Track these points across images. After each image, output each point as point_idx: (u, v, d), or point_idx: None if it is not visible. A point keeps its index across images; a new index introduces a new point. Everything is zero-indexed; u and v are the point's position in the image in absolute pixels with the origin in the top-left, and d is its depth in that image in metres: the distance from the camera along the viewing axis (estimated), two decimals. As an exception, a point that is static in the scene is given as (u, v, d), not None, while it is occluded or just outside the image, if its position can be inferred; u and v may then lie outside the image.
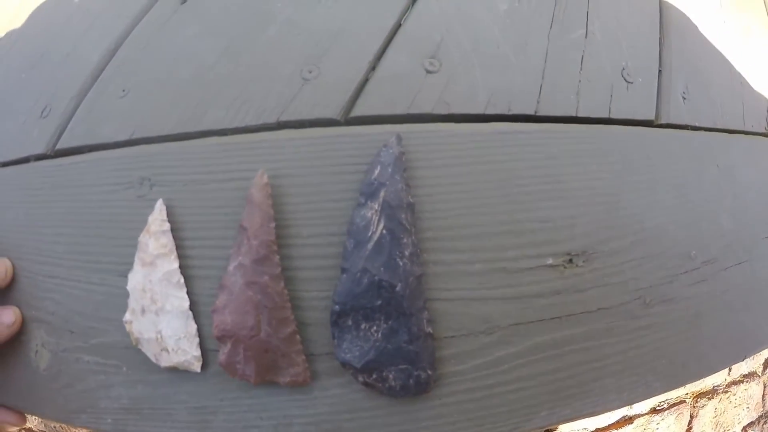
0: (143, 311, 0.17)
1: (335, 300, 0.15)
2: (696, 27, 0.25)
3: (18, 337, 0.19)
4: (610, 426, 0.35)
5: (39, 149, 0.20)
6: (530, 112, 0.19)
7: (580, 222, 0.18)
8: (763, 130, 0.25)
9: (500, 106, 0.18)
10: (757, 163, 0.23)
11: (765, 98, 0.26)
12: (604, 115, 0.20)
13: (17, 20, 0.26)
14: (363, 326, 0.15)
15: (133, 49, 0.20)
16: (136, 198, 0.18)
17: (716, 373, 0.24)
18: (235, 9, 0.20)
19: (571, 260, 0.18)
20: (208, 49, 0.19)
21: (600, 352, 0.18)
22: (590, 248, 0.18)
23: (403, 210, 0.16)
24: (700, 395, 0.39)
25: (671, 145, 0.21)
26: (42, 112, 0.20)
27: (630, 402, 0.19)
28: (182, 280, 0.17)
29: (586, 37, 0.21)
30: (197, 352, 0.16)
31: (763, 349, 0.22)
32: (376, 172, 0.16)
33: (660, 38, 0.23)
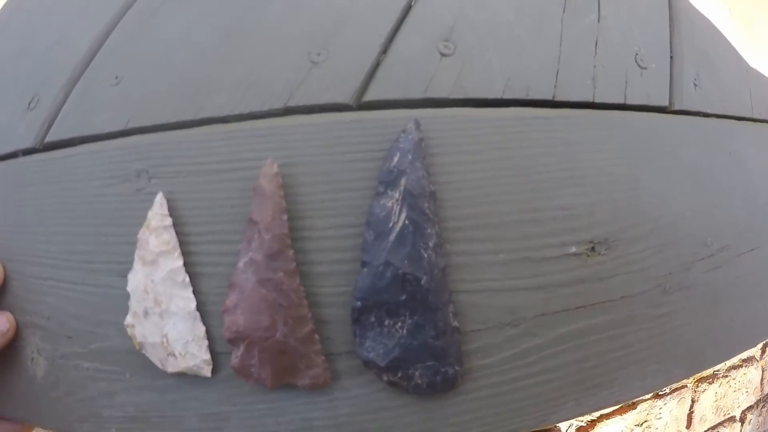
0: (146, 313, 0.15)
1: (356, 296, 0.14)
2: (703, 14, 0.24)
3: (12, 344, 0.17)
4: (614, 412, 0.35)
5: (27, 143, 0.18)
6: (548, 97, 0.17)
7: (600, 209, 0.17)
8: (769, 117, 0.24)
9: (518, 91, 0.17)
10: (765, 151, 0.23)
11: (768, 86, 0.25)
12: (620, 101, 0.19)
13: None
14: (387, 322, 0.14)
15: (125, 35, 0.18)
16: (134, 192, 0.16)
17: (725, 361, 0.24)
18: (236, -9, 0.18)
19: (593, 248, 0.17)
20: (206, 31, 0.17)
21: (623, 340, 0.17)
22: (612, 236, 0.17)
23: (426, 199, 0.14)
24: (701, 380, 0.39)
25: (685, 132, 0.20)
26: (29, 104, 0.18)
27: (652, 389, 0.18)
28: (187, 279, 0.15)
29: (598, 22, 0.20)
30: (207, 356, 0.15)
31: (775, 333, 0.21)
32: (396, 159, 0.14)
33: (670, 24, 0.22)
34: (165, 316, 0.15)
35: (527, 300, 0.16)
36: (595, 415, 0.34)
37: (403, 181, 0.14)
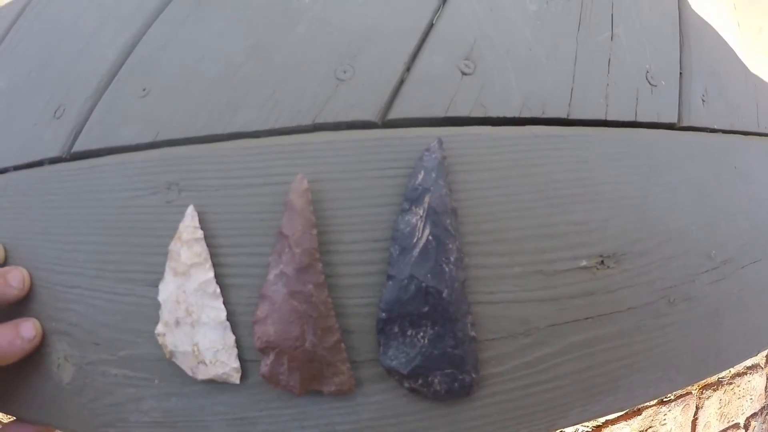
0: (177, 323, 0.16)
1: (382, 307, 0.15)
2: (713, 29, 0.25)
3: (38, 350, 0.18)
4: (619, 418, 0.37)
5: (53, 152, 0.19)
6: (563, 115, 0.19)
7: (611, 224, 0.18)
8: (775, 132, 0.25)
9: (534, 110, 0.18)
10: (769, 165, 0.24)
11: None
12: (631, 118, 0.20)
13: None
14: (409, 333, 0.15)
15: (152, 47, 0.19)
16: (164, 204, 0.17)
17: (727, 369, 0.25)
18: (260, 5, 0.19)
19: (603, 262, 0.18)
20: (234, 46, 0.18)
21: (629, 349, 0.18)
22: (620, 250, 0.18)
23: (448, 215, 0.15)
24: (706, 387, 0.41)
25: (692, 148, 0.21)
26: (55, 113, 0.19)
27: (655, 397, 0.20)
28: (218, 290, 0.16)
29: (611, 40, 0.21)
30: (236, 364, 0.16)
31: (774, 343, 0.23)
32: (420, 177, 0.15)
33: (680, 41, 0.23)
34: (196, 326, 0.16)
35: (540, 311, 0.17)
36: (600, 420, 0.35)
37: (427, 199, 0.15)
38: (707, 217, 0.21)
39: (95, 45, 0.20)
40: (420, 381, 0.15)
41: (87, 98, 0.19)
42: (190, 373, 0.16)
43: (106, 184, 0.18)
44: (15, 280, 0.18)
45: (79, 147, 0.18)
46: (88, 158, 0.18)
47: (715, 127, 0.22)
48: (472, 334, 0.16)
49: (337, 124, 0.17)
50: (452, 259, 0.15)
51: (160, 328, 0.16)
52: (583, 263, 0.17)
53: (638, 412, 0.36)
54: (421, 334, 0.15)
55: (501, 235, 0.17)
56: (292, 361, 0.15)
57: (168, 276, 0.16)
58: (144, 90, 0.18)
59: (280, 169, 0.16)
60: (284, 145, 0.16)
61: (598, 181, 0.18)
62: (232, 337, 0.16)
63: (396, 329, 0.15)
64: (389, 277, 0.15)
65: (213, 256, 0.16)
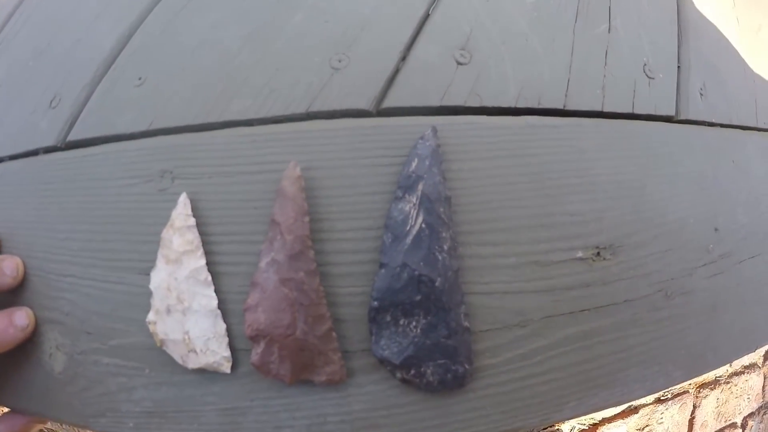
0: (168, 311, 0.16)
1: (373, 296, 0.15)
2: (712, 24, 0.25)
3: (30, 339, 0.18)
4: (616, 416, 0.37)
5: (49, 141, 0.19)
6: (559, 106, 0.19)
7: (607, 216, 0.18)
8: (774, 127, 0.25)
9: (530, 100, 0.18)
10: (768, 159, 0.24)
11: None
12: (628, 110, 0.20)
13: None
14: (402, 322, 0.15)
15: (148, 36, 0.19)
16: (157, 192, 0.17)
17: (724, 365, 0.25)
18: (256, -6, 0.19)
19: (599, 253, 0.18)
20: (230, 35, 0.18)
21: (625, 342, 0.18)
22: (617, 241, 0.18)
23: (441, 203, 0.15)
24: (703, 386, 0.41)
25: (690, 141, 0.21)
26: (51, 102, 0.19)
27: (652, 391, 0.20)
28: (210, 278, 0.16)
29: (609, 32, 0.21)
30: (227, 353, 0.16)
31: (773, 339, 0.23)
32: (414, 164, 0.16)
33: (678, 34, 0.23)
34: (187, 314, 0.16)
35: (535, 302, 0.17)
36: (598, 418, 0.35)
37: (420, 186, 0.15)
38: (705, 210, 0.21)
39: (92, 35, 0.20)
40: (412, 371, 0.15)
41: (83, 88, 0.19)
42: (180, 361, 0.16)
43: (101, 173, 0.18)
44: (9, 268, 0.18)
45: (74, 136, 0.19)
46: (83, 147, 0.18)
47: (714, 121, 0.23)
48: (466, 324, 0.16)
49: (332, 112, 0.17)
50: (445, 247, 0.15)
51: (151, 316, 0.16)
52: (579, 254, 0.18)
53: (635, 410, 0.36)
54: (414, 323, 0.15)
55: (495, 225, 0.17)
56: (283, 349, 0.15)
57: (160, 263, 0.16)
58: (140, 79, 0.18)
59: (274, 156, 0.16)
60: (278, 133, 0.17)
61: (594, 172, 0.18)
62: (223, 326, 0.16)
63: (388, 318, 0.15)
64: (381, 265, 0.15)
65: (205, 243, 0.16)
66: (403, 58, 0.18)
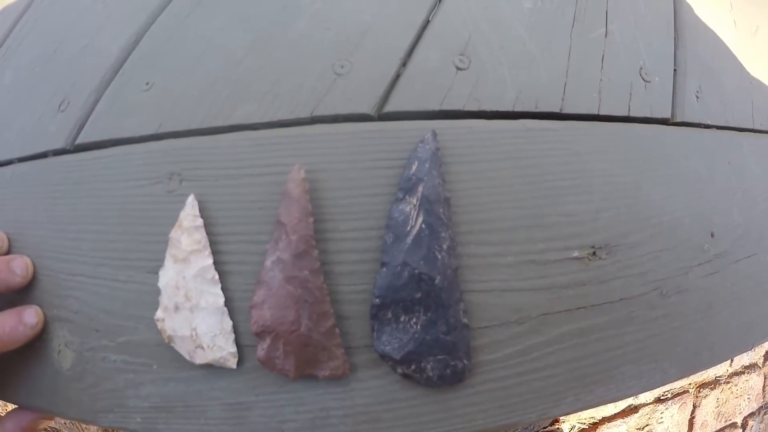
0: (176, 308, 0.17)
1: (375, 293, 0.16)
2: (709, 27, 0.26)
3: (39, 337, 0.19)
4: (616, 415, 0.37)
5: (58, 144, 0.20)
6: (556, 109, 0.20)
7: (603, 216, 0.19)
8: (770, 129, 0.26)
9: (528, 104, 0.19)
10: (765, 161, 0.25)
11: (771, 97, 0.27)
12: (624, 113, 0.21)
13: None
14: (402, 318, 0.16)
15: (155, 42, 0.20)
16: (165, 193, 0.18)
17: (720, 363, 0.26)
18: (260, 1, 0.20)
19: (594, 253, 0.19)
20: (235, 42, 0.19)
21: (621, 340, 0.19)
22: (613, 241, 0.19)
23: (441, 204, 0.16)
24: (703, 385, 0.41)
25: (686, 143, 0.22)
26: (59, 106, 0.20)
27: (647, 388, 0.20)
28: (217, 276, 0.17)
29: (606, 36, 0.22)
30: (233, 349, 0.17)
31: (768, 338, 0.24)
32: (414, 167, 0.16)
33: (675, 38, 0.24)
34: (195, 311, 0.17)
35: (532, 300, 0.18)
36: (598, 417, 0.36)
37: (420, 188, 0.16)
38: (701, 210, 0.22)
39: (99, 40, 0.21)
40: (413, 366, 0.16)
41: (91, 92, 0.20)
42: (188, 357, 0.17)
43: (110, 175, 0.19)
44: (19, 267, 0.19)
45: (83, 139, 0.20)
46: (92, 150, 0.19)
47: (709, 123, 0.23)
48: (465, 321, 0.17)
49: (335, 116, 0.18)
50: (445, 247, 0.16)
51: (159, 314, 0.17)
52: (575, 254, 0.18)
53: (635, 410, 0.37)
54: (414, 319, 0.16)
55: (493, 225, 0.18)
56: (288, 345, 0.16)
57: (168, 262, 0.17)
58: (147, 84, 0.19)
59: (278, 160, 0.17)
60: (283, 137, 0.17)
61: (590, 174, 0.19)
62: (230, 323, 0.17)
63: (389, 315, 0.16)
64: (383, 264, 0.16)
65: (212, 243, 0.17)
66: (404, 64, 0.19)
